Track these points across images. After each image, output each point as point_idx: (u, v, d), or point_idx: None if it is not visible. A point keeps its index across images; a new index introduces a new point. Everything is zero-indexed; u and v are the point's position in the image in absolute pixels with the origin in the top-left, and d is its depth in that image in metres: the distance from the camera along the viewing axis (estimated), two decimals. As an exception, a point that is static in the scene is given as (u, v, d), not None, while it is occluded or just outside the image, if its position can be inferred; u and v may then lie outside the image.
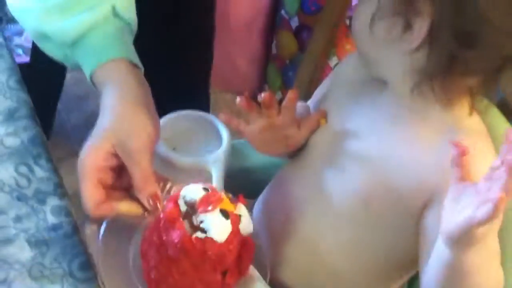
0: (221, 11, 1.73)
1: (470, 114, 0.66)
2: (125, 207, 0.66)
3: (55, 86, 1.45)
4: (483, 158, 0.61)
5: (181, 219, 0.61)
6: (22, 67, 0.81)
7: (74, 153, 0.72)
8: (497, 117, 0.72)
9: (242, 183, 0.83)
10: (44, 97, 0.70)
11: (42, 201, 0.66)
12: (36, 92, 0.82)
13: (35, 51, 1.23)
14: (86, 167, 0.63)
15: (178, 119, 0.85)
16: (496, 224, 0.53)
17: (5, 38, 0.85)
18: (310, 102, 0.81)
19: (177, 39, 1.20)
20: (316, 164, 0.73)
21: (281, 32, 1.77)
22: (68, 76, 1.71)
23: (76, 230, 0.65)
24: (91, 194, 0.63)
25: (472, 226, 0.51)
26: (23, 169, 0.69)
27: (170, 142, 0.83)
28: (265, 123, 0.72)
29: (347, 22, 1.43)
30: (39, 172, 0.69)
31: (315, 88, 0.83)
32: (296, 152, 0.76)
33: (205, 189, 0.63)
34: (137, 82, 0.71)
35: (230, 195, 0.64)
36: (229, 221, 0.60)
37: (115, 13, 0.73)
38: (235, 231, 0.61)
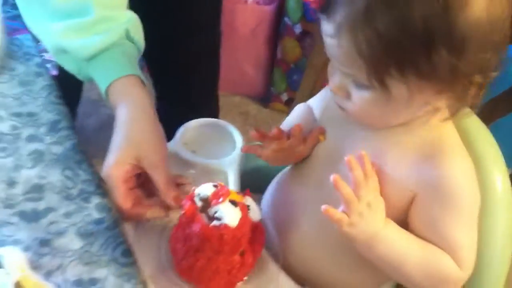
0: (228, 20, 1.85)
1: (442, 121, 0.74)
2: (151, 213, 0.78)
3: (76, 93, 1.57)
4: (458, 167, 0.72)
5: (198, 213, 0.73)
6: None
7: (93, 155, 0.84)
8: (474, 121, 0.82)
9: (255, 180, 0.95)
10: (68, 104, 0.82)
11: (87, 200, 0.78)
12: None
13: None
14: (114, 179, 0.75)
15: (197, 126, 0.97)
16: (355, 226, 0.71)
17: (42, 58, 0.96)
18: (313, 102, 0.92)
19: (189, 51, 1.30)
20: (317, 166, 0.83)
21: (285, 38, 1.87)
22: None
23: (116, 223, 0.76)
24: (122, 202, 0.75)
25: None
26: (69, 172, 0.80)
27: (190, 146, 0.94)
28: (276, 147, 0.82)
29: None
30: (82, 175, 0.80)
31: (319, 90, 0.94)
32: None
33: (215, 186, 0.74)
34: (148, 97, 0.82)
35: (237, 190, 0.76)
36: (238, 208, 0.72)
37: (128, 36, 0.84)
38: (245, 216, 0.72)
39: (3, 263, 0.67)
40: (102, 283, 0.70)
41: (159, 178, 0.77)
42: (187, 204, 0.73)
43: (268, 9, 1.86)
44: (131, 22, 0.85)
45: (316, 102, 0.90)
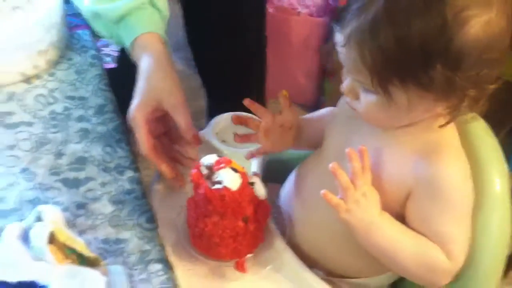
0: (281, 31, 1.94)
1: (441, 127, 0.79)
2: (164, 167, 0.89)
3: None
4: (452, 167, 0.78)
5: (203, 179, 0.82)
6: (110, 71, 1.05)
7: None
8: (480, 127, 0.86)
9: (278, 171, 1.04)
10: (127, 95, 0.93)
11: (121, 173, 0.89)
12: (121, 90, 1.05)
13: (120, 59, 1.48)
14: (138, 120, 0.86)
15: (228, 118, 1.06)
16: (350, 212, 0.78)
17: (97, 50, 1.09)
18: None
19: (235, 51, 1.40)
20: (328, 157, 0.90)
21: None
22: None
23: (144, 195, 0.87)
24: (144, 140, 0.86)
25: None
26: (108, 149, 0.92)
27: (221, 136, 1.04)
28: (264, 128, 0.93)
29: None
30: (120, 152, 0.92)
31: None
32: (316, 147, 0.96)
33: (218, 156, 0.84)
34: (167, 52, 0.94)
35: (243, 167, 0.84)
36: (238, 174, 0.81)
37: (151, 2, 0.96)
38: (245, 183, 0.81)
39: (42, 217, 0.78)
40: (126, 243, 0.81)
41: (180, 118, 0.88)
42: (193, 171, 0.83)
43: (320, 21, 1.93)
44: None
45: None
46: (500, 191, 0.83)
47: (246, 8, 1.34)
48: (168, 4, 0.99)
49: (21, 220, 0.81)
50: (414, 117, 0.77)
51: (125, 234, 0.82)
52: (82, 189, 0.86)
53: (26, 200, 0.84)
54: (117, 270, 0.77)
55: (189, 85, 1.73)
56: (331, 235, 0.89)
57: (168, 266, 0.79)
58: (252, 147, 1.01)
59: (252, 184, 0.84)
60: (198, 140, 0.89)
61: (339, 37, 0.75)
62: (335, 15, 0.79)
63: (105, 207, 0.84)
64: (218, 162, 0.81)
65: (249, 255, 0.86)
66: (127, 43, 0.94)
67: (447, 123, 0.78)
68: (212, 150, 1.01)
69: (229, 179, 0.80)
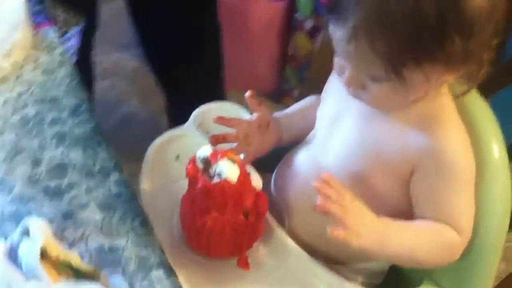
0: (241, 18, 1.90)
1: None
2: None
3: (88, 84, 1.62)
4: (454, 139, 0.77)
5: (200, 173, 0.77)
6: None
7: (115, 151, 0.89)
8: (473, 95, 0.85)
9: (267, 161, 0.99)
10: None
11: (106, 175, 0.83)
12: None
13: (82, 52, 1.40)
14: None
15: (209, 109, 1.01)
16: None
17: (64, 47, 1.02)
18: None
19: (184, 41, 1.35)
20: (317, 144, 0.88)
21: (297, 34, 1.91)
22: (104, 83, 1.89)
23: (134, 197, 0.81)
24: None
25: None
26: (89, 151, 0.86)
27: (204, 128, 0.99)
28: (242, 135, 0.89)
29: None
30: (102, 153, 0.85)
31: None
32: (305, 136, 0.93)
33: (214, 147, 0.80)
34: None
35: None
36: (236, 165, 0.77)
37: None
38: (244, 173, 0.77)
39: (29, 231, 0.72)
40: (121, 250, 0.75)
41: None
42: (189, 166, 0.78)
43: (280, 5, 1.90)
44: None
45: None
46: (499, 157, 0.82)
47: None
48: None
49: (5, 237, 0.75)
50: (426, 91, 0.75)
51: (119, 241, 0.76)
52: (66, 197, 0.80)
53: (6, 215, 0.78)
54: (118, 280, 0.72)
55: (147, 81, 1.68)
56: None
57: (170, 271, 0.74)
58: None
59: (248, 174, 0.79)
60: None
61: (338, 32, 0.71)
62: (326, 10, 0.75)
63: (94, 214, 0.79)
64: (214, 154, 0.77)
65: (249, 250, 0.82)
66: None
67: (465, 92, 0.77)
68: (197, 144, 0.96)
69: (228, 171, 0.75)
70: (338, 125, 0.86)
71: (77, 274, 0.70)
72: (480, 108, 0.84)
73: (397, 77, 0.71)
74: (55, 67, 0.97)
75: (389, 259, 0.78)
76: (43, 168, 0.83)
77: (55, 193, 0.80)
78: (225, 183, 0.75)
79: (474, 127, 0.81)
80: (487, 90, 0.82)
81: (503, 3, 0.72)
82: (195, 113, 1.00)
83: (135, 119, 1.86)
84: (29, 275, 0.69)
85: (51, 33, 1.03)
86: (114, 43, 2.07)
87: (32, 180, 0.82)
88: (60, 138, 0.87)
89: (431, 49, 0.68)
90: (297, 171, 0.90)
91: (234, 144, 0.89)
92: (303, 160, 0.90)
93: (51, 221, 0.77)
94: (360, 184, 0.82)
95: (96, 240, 0.76)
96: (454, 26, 0.67)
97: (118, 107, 1.89)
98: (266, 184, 0.94)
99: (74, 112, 0.90)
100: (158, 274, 0.73)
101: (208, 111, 1.01)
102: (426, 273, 0.87)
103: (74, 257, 0.71)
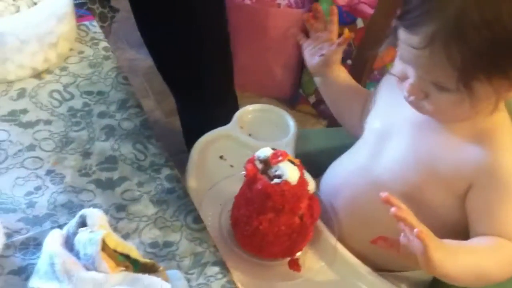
0: (260, 24, 1.90)
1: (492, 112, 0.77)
2: None
3: None
4: (508, 151, 0.76)
5: (260, 175, 0.77)
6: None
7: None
8: None
9: (305, 165, 1.00)
10: None
11: (157, 171, 0.83)
12: None
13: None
14: None
15: (252, 111, 1.02)
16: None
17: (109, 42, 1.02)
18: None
19: (192, 47, 1.35)
20: (367, 155, 0.87)
21: (316, 41, 1.92)
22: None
23: (186, 193, 0.81)
24: None
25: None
26: (139, 146, 0.85)
27: (246, 130, 0.99)
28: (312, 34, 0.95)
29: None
30: (152, 149, 0.85)
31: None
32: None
33: (273, 148, 0.79)
34: None
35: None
36: (296, 167, 0.76)
37: None
38: (302, 176, 0.77)
39: (86, 221, 0.71)
40: (176, 246, 0.75)
41: None
42: (248, 166, 0.77)
43: (300, 12, 1.90)
44: None
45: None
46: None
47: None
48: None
49: (58, 226, 0.75)
50: (487, 106, 0.75)
51: (173, 236, 0.76)
52: (118, 190, 0.80)
53: (59, 203, 0.77)
54: (176, 275, 0.71)
55: (162, 81, 1.67)
56: (381, 230, 0.85)
57: (226, 269, 0.73)
58: (280, 141, 0.97)
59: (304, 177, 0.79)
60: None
61: (411, 38, 0.71)
62: (397, 16, 0.75)
63: (147, 209, 0.78)
64: (275, 155, 0.77)
65: (299, 253, 0.82)
66: None
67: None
68: (240, 145, 0.97)
69: (289, 173, 0.75)
70: (391, 137, 0.85)
71: (136, 265, 0.70)
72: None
73: (466, 89, 0.71)
74: (100, 61, 0.96)
75: (457, 279, 0.75)
76: (93, 160, 0.83)
77: (107, 186, 0.80)
78: (285, 185, 0.74)
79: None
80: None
81: None
82: (238, 113, 1.00)
83: (150, 118, 1.86)
84: (88, 264, 0.68)
85: (93, 26, 1.02)
86: (129, 41, 2.07)
87: (83, 172, 0.81)
88: (110, 131, 0.86)
89: (504, 63, 0.69)
90: (348, 182, 0.89)
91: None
92: (353, 170, 0.89)
93: (104, 212, 0.76)
94: (414, 197, 0.82)
95: (150, 234, 0.76)
96: None
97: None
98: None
99: (122, 106, 0.90)
100: (213, 271, 0.73)
101: (251, 112, 1.01)
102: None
103: (132, 249, 0.70)
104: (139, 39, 1.43)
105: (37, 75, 0.92)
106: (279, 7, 1.90)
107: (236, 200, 0.81)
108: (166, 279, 0.69)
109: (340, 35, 0.94)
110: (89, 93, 0.91)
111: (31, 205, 0.76)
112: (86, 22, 1.02)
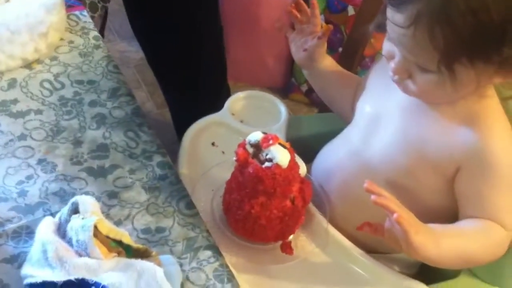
0: (252, 13, 1.90)
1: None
2: None
3: None
4: (500, 139, 0.77)
5: (251, 158, 0.77)
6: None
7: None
8: None
9: (297, 150, 1.00)
10: None
11: (149, 158, 0.83)
12: None
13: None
14: None
15: (243, 97, 1.02)
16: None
17: (99, 31, 1.02)
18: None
19: (188, 38, 1.35)
20: (359, 139, 0.88)
21: (308, 30, 1.92)
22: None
23: (178, 179, 0.81)
24: None
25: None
26: (131, 134, 0.85)
27: (237, 116, 1.00)
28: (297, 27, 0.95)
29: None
30: (143, 136, 0.85)
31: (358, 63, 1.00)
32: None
33: (263, 132, 0.79)
34: None
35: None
36: (287, 150, 0.77)
37: None
38: (293, 159, 0.77)
39: (79, 209, 0.72)
40: (168, 231, 0.75)
41: None
42: (239, 150, 0.78)
43: (291, 2, 1.91)
44: None
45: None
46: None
47: None
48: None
49: (50, 214, 0.75)
50: (471, 90, 0.75)
51: (166, 222, 0.76)
52: (110, 177, 0.80)
53: (50, 192, 0.77)
54: (169, 260, 0.71)
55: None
56: (372, 213, 0.85)
57: (218, 253, 0.74)
58: (272, 127, 0.98)
59: (296, 160, 0.80)
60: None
61: (398, 17, 0.71)
62: None
63: (140, 195, 0.78)
64: (266, 139, 0.77)
65: (291, 236, 0.83)
66: None
67: None
68: (232, 131, 0.97)
69: (279, 156, 0.75)
70: (381, 120, 0.86)
71: (128, 251, 0.70)
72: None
73: (448, 71, 0.71)
74: (90, 50, 0.96)
75: (441, 262, 0.76)
76: (85, 148, 0.83)
77: (99, 173, 0.80)
78: (276, 168, 0.75)
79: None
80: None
81: None
82: (229, 100, 1.00)
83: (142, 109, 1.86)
84: (80, 250, 0.68)
85: (83, 16, 1.02)
86: (119, 33, 2.07)
87: (74, 160, 0.81)
88: (101, 119, 0.86)
89: (488, 49, 0.68)
90: (339, 165, 0.90)
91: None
92: (344, 154, 0.90)
93: (97, 200, 0.76)
94: (403, 181, 0.83)
95: (143, 220, 0.76)
96: None
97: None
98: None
99: (113, 94, 0.90)
100: (206, 255, 0.73)
101: (242, 99, 1.02)
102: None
103: (124, 235, 0.71)
104: (130, 31, 1.43)
105: (28, 65, 0.92)
106: (270, -4, 1.89)
107: (227, 185, 0.81)
108: (159, 264, 0.69)
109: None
110: (80, 82, 0.91)
111: (23, 194, 0.76)
112: (76, 12, 1.02)
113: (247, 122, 0.99)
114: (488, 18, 0.66)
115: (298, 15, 0.95)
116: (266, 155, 0.76)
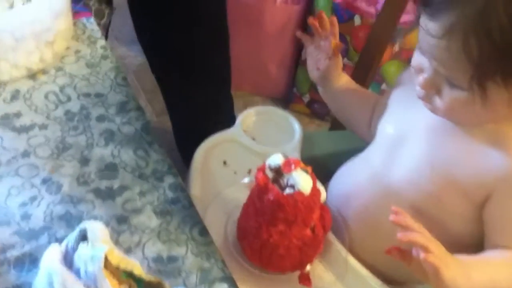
0: (256, 20, 1.86)
1: None
2: None
3: None
4: None
5: (271, 184, 0.73)
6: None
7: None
8: None
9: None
10: None
11: (160, 179, 0.78)
12: None
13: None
14: None
15: (255, 113, 0.97)
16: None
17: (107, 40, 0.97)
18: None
19: (193, 46, 1.30)
20: (380, 161, 0.83)
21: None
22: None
23: (191, 203, 0.77)
24: None
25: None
26: (141, 152, 0.81)
27: (250, 133, 0.95)
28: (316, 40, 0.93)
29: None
30: (154, 155, 0.81)
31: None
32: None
33: (284, 155, 0.75)
34: None
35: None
36: (309, 176, 0.73)
37: None
38: (315, 185, 0.73)
39: (87, 235, 0.67)
40: (181, 260, 0.71)
41: None
42: (258, 175, 0.73)
43: (295, 9, 1.86)
44: None
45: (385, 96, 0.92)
46: None
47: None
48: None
49: (55, 240, 0.70)
50: (502, 113, 0.71)
51: (179, 250, 0.72)
52: (119, 200, 0.75)
53: (56, 215, 0.72)
54: (183, 293, 0.67)
55: (153, 79, 1.62)
56: (393, 241, 0.82)
57: (234, 285, 0.69)
58: (285, 145, 0.93)
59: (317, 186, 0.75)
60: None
61: (432, 26, 0.67)
62: (421, 2, 0.70)
63: (151, 220, 0.74)
64: (287, 163, 0.72)
65: (309, 266, 0.78)
66: None
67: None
68: (243, 150, 0.92)
69: (302, 183, 0.71)
70: (405, 142, 0.82)
71: (140, 283, 0.66)
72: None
73: (479, 89, 0.67)
74: (98, 61, 0.92)
75: None
76: (92, 167, 0.78)
77: (107, 195, 0.75)
78: (298, 195, 0.70)
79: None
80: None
81: None
82: (240, 117, 0.96)
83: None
84: (89, 282, 0.64)
85: (90, 24, 0.97)
86: (118, 38, 2.01)
87: (81, 180, 0.76)
88: (109, 136, 0.82)
89: None
90: (358, 189, 0.86)
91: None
92: (364, 177, 0.85)
93: (105, 224, 0.71)
94: (428, 207, 0.78)
95: (154, 248, 0.71)
96: None
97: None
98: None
99: (122, 109, 0.85)
100: None
101: (253, 115, 0.97)
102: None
103: (135, 265, 0.66)
104: (129, 36, 1.38)
105: (32, 75, 0.87)
106: (275, 3, 1.85)
107: (243, 210, 0.77)
108: (173, 298, 0.65)
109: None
110: (87, 95, 0.87)
111: (26, 217, 0.72)
112: (83, 19, 0.97)
113: (259, 140, 0.94)
114: None
115: (319, 29, 0.91)
116: (288, 180, 0.72)
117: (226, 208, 0.83)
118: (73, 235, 0.67)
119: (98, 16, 1.12)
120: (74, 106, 0.85)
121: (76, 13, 0.97)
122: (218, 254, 0.72)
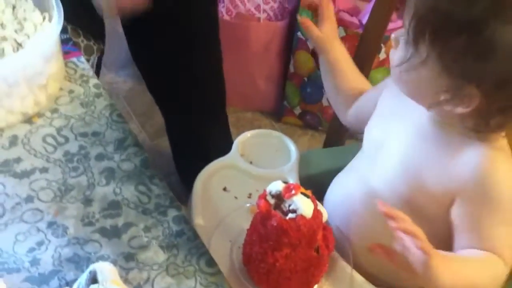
0: (241, 38, 1.88)
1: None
2: None
3: None
4: (503, 172, 0.75)
5: (273, 210, 0.75)
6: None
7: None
8: None
9: (308, 188, 0.97)
10: None
11: (163, 213, 0.79)
12: None
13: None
14: None
15: (251, 137, 0.99)
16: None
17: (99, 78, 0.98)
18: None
19: (189, 69, 1.32)
20: (366, 164, 0.87)
21: (299, 52, 1.90)
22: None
23: (196, 235, 0.78)
24: None
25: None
26: (142, 188, 0.82)
27: (247, 158, 0.97)
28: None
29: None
30: (155, 189, 0.82)
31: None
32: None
33: (284, 182, 0.77)
34: None
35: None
36: (310, 199, 0.74)
37: None
38: (316, 208, 0.74)
39: (97, 277, 0.68)
40: (191, 293, 0.72)
41: None
42: (260, 202, 0.75)
43: (280, 25, 1.89)
44: None
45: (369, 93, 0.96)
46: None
47: (193, 16, 1.25)
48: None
49: (66, 283, 0.71)
50: (436, 93, 0.73)
51: (188, 283, 0.73)
52: (125, 237, 0.76)
53: (64, 258, 0.74)
54: (197, 327, 0.68)
55: (144, 101, 1.63)
56: (385, 241, 0.83)
57: (245, 313, 0.71)
58: (282, 167, 0.95)
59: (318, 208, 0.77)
60: None
61: None
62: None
63: (158, 255, 0.75)
64: (288, 189, 0.74)
65: (316, 286, 0.80)
66: None
67: (478, 131, 0.75)
68: (242, 174, 0.94)
69: (303, 207, 0.73)
70: (386, 145, 0.85)
71: (153, 322, 0.67)
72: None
73: (413, 43, 0.72)
74: (92, 100, 0.93)
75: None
76: (95, 207, 0.79)
77: (113, 233, 0.77)
78: (300, 219, 0.72)
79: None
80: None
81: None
82: (238, 140, 0.97)
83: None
84: (103, 326, 0.65)
85: (81, 63, 0.99)
86: (106, 64, 2.02)
87: (85, 221, 0.78)
88: (109, 174, 0.83)
89: (449, 35, 0.70)
90: (348, 195, 0.89)
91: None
92: (353, 185, 0.89)
93: (113, 263, 0.73)
94: (407, 208, 0.80)
95: (163, 283, 0.73)
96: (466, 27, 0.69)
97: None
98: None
99: (120, 146, 0.87)
100: (233, 317, 0.70)
101: (250, 139, 0.99)
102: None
103: (147, 304, 0.68)
104: (117, 62, 1.39)
105: (28, 119, 0.89)
106: (259, 21, 1.88)
107: (247, 237, 0.78)
108: (187, 333, 0.66)
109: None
110: (84, 134, 0.88)
111: (35, 262, 0.73)
112: (74, 59, 0.98)
113: (257, 163, 0.96)
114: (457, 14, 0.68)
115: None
116: (289, 206, 0.73)
117: (230, 236, 0.84)
118: (83, 277, 0.68)
119: (87, 52, 1.14)
120: (72, 147, 0.86)
121: (66, 54, 0.98)
122: (226, 283, 0.73)
